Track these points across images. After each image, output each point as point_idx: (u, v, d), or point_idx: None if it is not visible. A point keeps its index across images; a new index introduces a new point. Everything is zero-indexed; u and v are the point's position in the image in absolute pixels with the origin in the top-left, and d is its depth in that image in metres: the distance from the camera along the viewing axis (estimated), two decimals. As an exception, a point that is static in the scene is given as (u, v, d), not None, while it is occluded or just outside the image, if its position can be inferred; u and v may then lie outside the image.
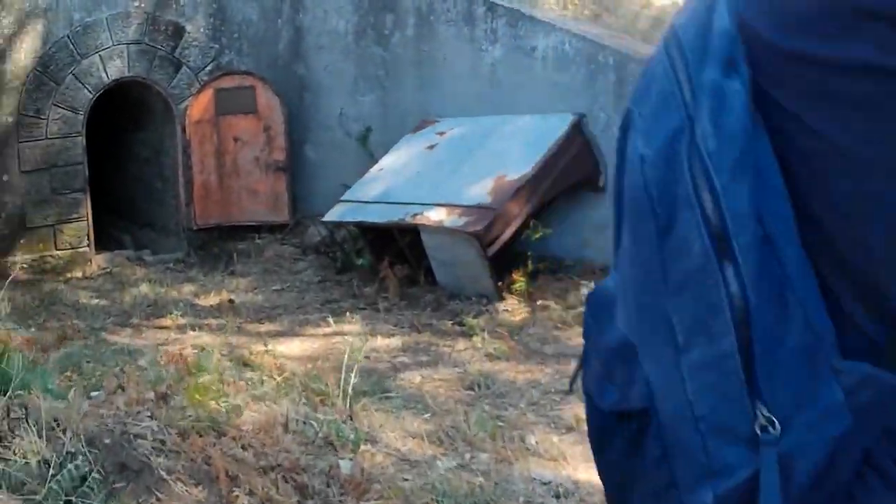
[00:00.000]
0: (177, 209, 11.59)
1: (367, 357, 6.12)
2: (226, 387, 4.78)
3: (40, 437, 3.14)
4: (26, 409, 3.38)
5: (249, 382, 5.25)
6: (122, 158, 13.73)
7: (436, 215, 8.24)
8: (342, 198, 9.33)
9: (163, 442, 3.41)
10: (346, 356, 5.28)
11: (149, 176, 12.60)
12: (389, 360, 6.64)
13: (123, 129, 13.30)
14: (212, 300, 8.96)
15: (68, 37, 10.66)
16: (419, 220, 8.29)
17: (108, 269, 10.71)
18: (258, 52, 11.70)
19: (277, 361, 6.18)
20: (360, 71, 10.87)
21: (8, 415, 3.34)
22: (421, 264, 8.70)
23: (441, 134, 9.45)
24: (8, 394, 3.52)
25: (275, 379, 5.46)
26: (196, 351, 6.01)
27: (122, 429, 3.42)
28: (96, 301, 9.08)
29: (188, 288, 9.45)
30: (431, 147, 9.28)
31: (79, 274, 10.59)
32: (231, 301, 8.86)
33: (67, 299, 9.11)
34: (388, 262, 8.66)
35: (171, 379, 4.63)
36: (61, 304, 8.96)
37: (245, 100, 11.28)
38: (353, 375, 5.09)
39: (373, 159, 10.53)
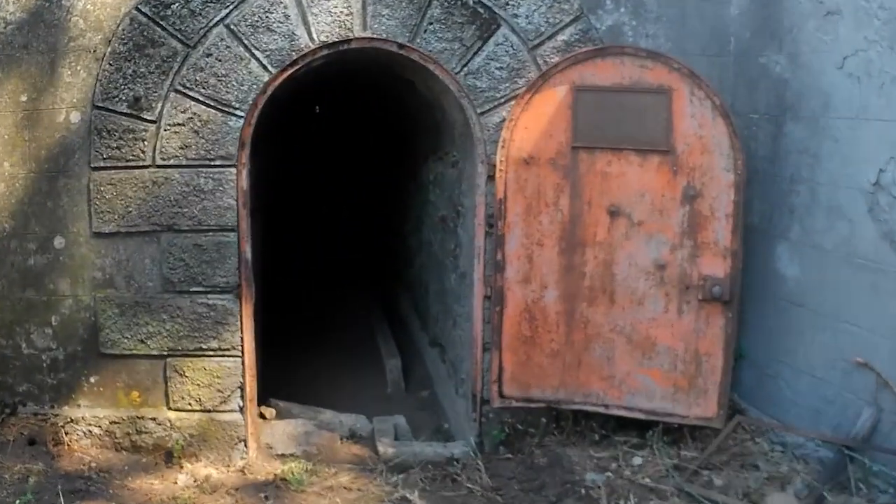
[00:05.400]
0: (470, 347, 5.25)
1: None
2: None
3: None
4: None
5: None
6: (407, 204, 7.89)
7: None
8: None
9: None
10: None
11: (442, 255, 6.48)
12: None
13: (413, 152, 7.45)
14: None
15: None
16: None
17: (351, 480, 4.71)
18: (682, 15, 5.02)
19: None
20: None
21: None
22: None
23: None
24: None
25: None
26: None
27: None
28: None
29: None
30: None
31: (205, 471, 4.69)
32: None
33: None
34: None
35: None
36: None
37: (645, 118, 4.64)
38: None
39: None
